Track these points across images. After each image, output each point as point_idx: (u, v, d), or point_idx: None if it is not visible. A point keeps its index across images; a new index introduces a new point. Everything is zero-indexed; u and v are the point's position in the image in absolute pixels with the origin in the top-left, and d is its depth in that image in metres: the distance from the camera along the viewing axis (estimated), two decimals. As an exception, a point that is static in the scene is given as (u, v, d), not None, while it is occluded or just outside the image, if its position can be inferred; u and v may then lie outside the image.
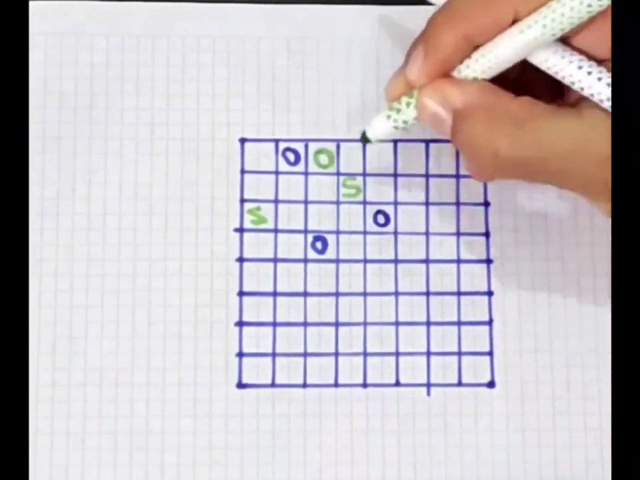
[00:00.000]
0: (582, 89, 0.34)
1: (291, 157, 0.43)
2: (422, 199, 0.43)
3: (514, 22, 0.35)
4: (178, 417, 0.41)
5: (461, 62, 0.36)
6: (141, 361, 0.42)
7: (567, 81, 0.35)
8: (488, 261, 0.43)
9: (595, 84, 0.34)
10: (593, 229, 0.44)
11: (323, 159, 0.43)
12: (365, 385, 0.42)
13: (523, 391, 0.42)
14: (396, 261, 0.43)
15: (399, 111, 0.38)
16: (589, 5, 0.33)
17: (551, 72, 0.35)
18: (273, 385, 0.42)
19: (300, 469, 0.41)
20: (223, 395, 0.42)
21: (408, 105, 0.37)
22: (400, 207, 0.43)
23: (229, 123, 0.44)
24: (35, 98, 0.43)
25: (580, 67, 0.34)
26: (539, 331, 0.43)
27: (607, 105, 0.34)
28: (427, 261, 0.43)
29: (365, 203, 0.43)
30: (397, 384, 0.42)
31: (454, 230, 0.43)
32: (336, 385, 0.42)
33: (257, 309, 0.42)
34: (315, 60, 0.44)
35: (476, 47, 0.36)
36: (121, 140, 0.43)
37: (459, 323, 0.43)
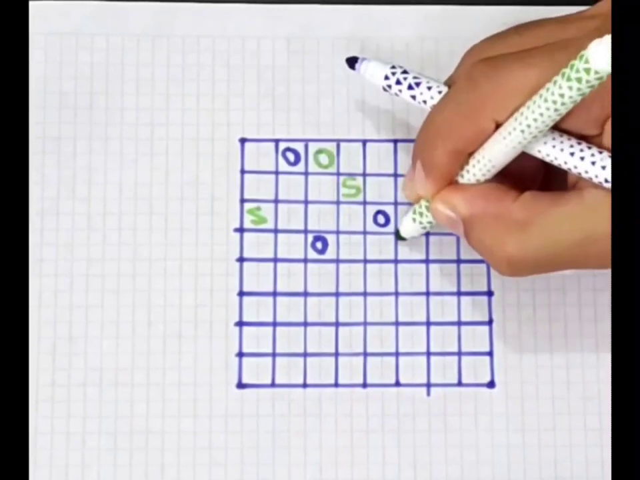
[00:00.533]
0: (579, 173, 0.34)
1: (291, 156, 0.43)
2: (422, 199, 0.43)
3: (498, 126, 0.35)
4: (178, 416, 0.41)
5: (461, 169, 0.37)
6: (141, 361, 0.42)
7: (564, 167, 0.35)
8: (488, 261, 0.43)
9: (590, 168, 0.34)
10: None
11: (323, 159, 0.43)
12: (364, 385, 0.42)
13: (523, 391, 0.42)
14: (396, 261, 0.43)
15: (421, 214, 0.40)
16: (556, 110, 0.33)
17: (547, 160, 0.35)
18: (273, 384, 0.42)
19: (300, 469, 0.41)
20: (223, 395, 0.42)
21: (428, 208, 0.39)
22: (400, 207, 0.43)
23: (229, 122, 0.44)
24: (34, 98, 0.43)
25: (572, 154, 0.34)
26: (538, 331, 0.43)
27: (607, 185, 0.34)
28: (426, 261, 0.43)
29: (364, 203, 0.43)
30: (397, 384, 0.42)
31: (454, 230, 0.43)
32: (336, 385, 0.42)
33: (257, 309, 0.42)
34: (315, 60, 0.44)
35: (470, 154, 0.37)
36: (121, 140, 0.43)
37: (459, 323, 0.43)
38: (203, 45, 0.44)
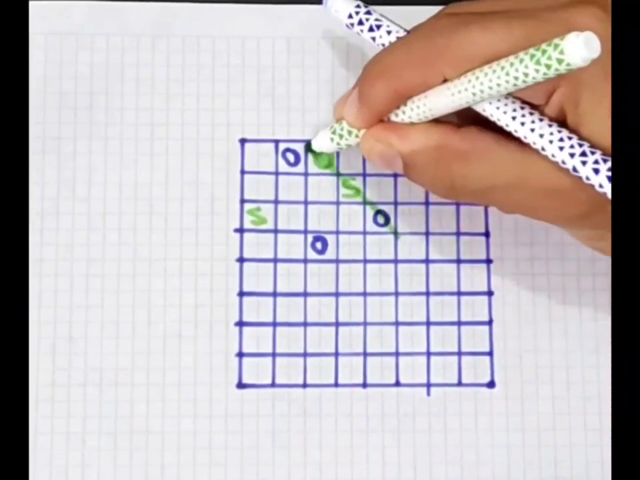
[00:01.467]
0: (524, 137, 0.34)
1: (291, 157, 0.43)
2: (422, 199, 0.43)
3: (444, 81, 0.35)
4: (178, 416, 0.42)
5: (397, 108, 0.37)
6: (141, 361, 0.42)
7: (505, 129, 0.35)
8: (488, 261, 0.43)
9: (529, 134, 0.34)
10: (592, 229, 0.44)
11: (323, 159, 0.43)
12: (364, 385, 0.42)
13: (523, 391, 0.42)
14: (396, 261, 0.43)
15: (341, 136, 0.40)
16: (515, 85, 0.32)
17: (489, 118, 0.35)
18: (273, 385, 0.42)
19: (300, 469, 0.41)
20: (223, 395, 0.42)
21: (350, 133, 0.39)
22: (400, 207, 0.43)
23: (229, 123, 0.44)
24: (34, 98, 0.43)
25: (514, 118, 0.34)
26: (538, 331, 0.43)
27: (544, 153, 0.34)
28: (426, 261, 0.43)
29: (364, 203, 0.43)
30: (397, 384, 0.42)
31: (454, 230, 0.43)
32: (336, 385, 0.42)
33: (257, 309, 0.42)
34: (315, 60, 0.44)
35: (407, 99, 0.36)
36: (120, 140, 0.43)
37: (459, 323, 0.43)
38: (203, 45, 0.44)
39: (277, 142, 0.44)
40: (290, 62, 0.44)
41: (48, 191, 0.43)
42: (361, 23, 0.39)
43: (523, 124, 0.34)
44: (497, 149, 0.35)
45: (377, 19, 0.39)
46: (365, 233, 0.43)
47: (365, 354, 0.42)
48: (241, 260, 0.43)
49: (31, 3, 0.43)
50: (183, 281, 0.42)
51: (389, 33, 0.38)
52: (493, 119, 0.35)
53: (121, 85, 0.44)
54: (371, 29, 0.38)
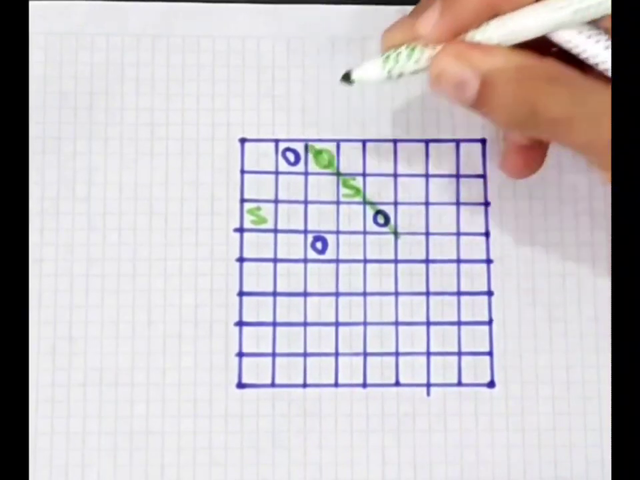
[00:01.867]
0: (604, 63, 0.34)
1: (291, 157, 0.43)
2: (422, 199, 0.43)
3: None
4: (178, 416, 0.42)
5: (478, 26, 0.35)
6: (141, 361, 0.42)
7: (590, 62, 0.34)
8: (488, 261, 0.43)
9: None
10: (593, 228, 0.44)
11: (323, 159, 0.43)
12: (364, 385, 0.42)
13: (523, 391, 0.42)
14: (396, 261, 0.43)
15: (397, 61, 0.36)
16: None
17: (573, 51, 0.34)
18: (272, 384, 0.42)
19: (300, 469, 0.41)
20: (223, 395, 0.42)
21: (409, 57, 0.36)
22: (400, 207, 0.43)
23: (229, 123, 0.44)
24: (34, 98, 0.43)
25: (598, 42, 0.34)
26: (538, 331, 0.43)
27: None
28: (426, 261, 0.43)
29: (364, 203, 0.43)
30: (397, 384, 0.42)
31: (454, 229, 0.43)
32: (336, 385, 0.42)
33: (257, 309, 0.42)
34: (315, 60, 0.44)
35: (494, 15, 0.35)
36: (120, 140, 0.43)
37: (459, 323, 0.43)
38: (203, 45, 0.44)
39: (276, 141, 0.44)
40: (290, 62, 0.44)
41: (48, 191, 0.43)
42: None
43: (607, 48, 0.34)
44: (582, 79, 0.34)
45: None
46: (365, 232, 0.43)
47: (365, 354, 0.42)
48: (241, 260, 0.43)
49: (31, 3, 0.43)
50: (183, 280, 0.42)
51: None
52: (576, 50, 0.34)
53: (121, 84, 0.44)
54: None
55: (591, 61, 0.34)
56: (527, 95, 0.34)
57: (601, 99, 0.34)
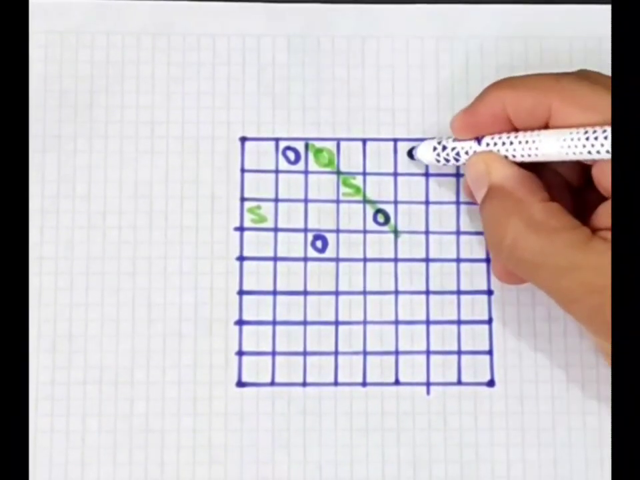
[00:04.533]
0: None
1: (291, 155, 0.43)
2: (422, 198, 0.43)
3: (546, 124, 0.37)
4: (178, 415, 0.42)
5: (494, 131, 0.39)
6: (141, 359, 0.42)
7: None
8: (488, 260, 0.43)
9: None
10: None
11: (323, 157, 0.43)
12: (364, 384, 0.42)
13: (523, 390, 0.42)
14: (396, 260, 0.43)
15: (444, 148, 0.41)
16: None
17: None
18: (272, 383, 0.42)
19: (299, 468, 0.41)
20: (223, 394, 0.42)
21: (453, 149, 0.40)
22: (400, 206, 0.43)
23: (229, 121, 0.44)
24: (35, 96, 0.43)
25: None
26: (538, 331, 0.43)
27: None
28: (426, 260, 0.43)
29: (364, 202, 0.43)
30: (397, 383, 0.42)
31: (454, 229, 0.43)
32: (335, 383, 0.42)
33: (257, 308, 0.42)
34: (316, 58, 0.44)
35: (515, 129, 0.38)
36: (121, 138, 0.43)
37: (459, 322, 0.43)
38: (203, 43, 0.44)
39: (277, 140, 0.44)
40: (290, 60, 0.44)
41: (48, 189, 0.43)
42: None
43: None
44: (564, 235, 0.36)
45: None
46: (365, 231, 0.43)
47: (365, 353, 0.42)
48: (241, 258, 0.43)
49: (31, 2, 0.43)
50: (183, 279, 0.42)
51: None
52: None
53: (121, 83, 0.43)
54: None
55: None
56: (505, 225, 0.37)
57: (575, 252, 0.36)
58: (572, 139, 0.36)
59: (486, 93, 0.39)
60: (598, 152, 0.35)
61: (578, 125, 0.36)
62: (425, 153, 0.42)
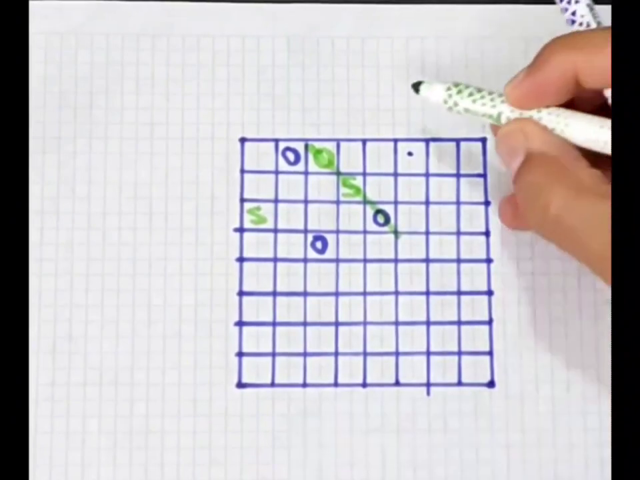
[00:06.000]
0: None
1: (291, 156, 0.43)
2: (422, 198, 0.43)
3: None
4: (178, 416, 0.42)
5: (554, 100, 0.37)
6: (141, 361, 0.42)
7: None
8: (488, 261, 0.43)
9: None
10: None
11: (323, 158, 0.43)
12: (364, 385, 0.42)
13: (523, 391, 0.42)
14: (396, 260, 0.43)
15: (455, 104, 0.39)
16: None
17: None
18: (272, 384, 0.42)
19: (299, 469, 0.41)
20: (223, 395, 0.42)
21: (471, 95, 0.39)
22: (400, 206, 0.43)
23: (229, 122, 0.44)
24: (34, 97, 0.43)
25: None
26: (538, 331, 0.43)
27: None
28: (426, 261, 0.43)
29: (364, 202, 0.43)
30: (397, 383, 0.42)
31: (454, 229, 0.43)
32: (336, 384, 0.42)
33: (257, 309, 0.42)
34: (315, 59, 0.44)
35: (580, 90, 0.36)
36: (120, 139, 0.43)
37: (459, 323, 0.43)
38: (203, 44, 0.44)
39: (276, 141, 0.44)
40: (290, 61, 0.44)
41: (48, 190, 0.43)
42: (569, 2, 0.38)
43: None
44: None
45: (470, 94, 0.39)
46: (365, 232, 0.43)
47: (365, 353, 0.42)
48: (241, 259, 0.43)
49: (31, 3, 0.43)
50: (183, 280, 0.42)
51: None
52: None
53: (120, 84, 0.44)
54: (573, 13, 0.38)
55: None
56: (550, 192, 0.35)
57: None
58: None
59: (551, 54, 0.36)
60: None
61: None
62: (435, 90, 0.40)
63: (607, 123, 0.36)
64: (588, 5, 0.38)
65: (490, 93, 0.39)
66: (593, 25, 0.38)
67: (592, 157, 0.37)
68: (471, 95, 0.39)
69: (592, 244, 0.35)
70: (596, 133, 0.36)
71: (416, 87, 0.40)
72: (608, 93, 0.36)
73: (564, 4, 0.38)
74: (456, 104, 0.39)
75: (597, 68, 0.36)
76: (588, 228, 0.35)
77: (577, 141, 0.37)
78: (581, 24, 0.38)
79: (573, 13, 0.38)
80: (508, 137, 0.38)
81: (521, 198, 0.38)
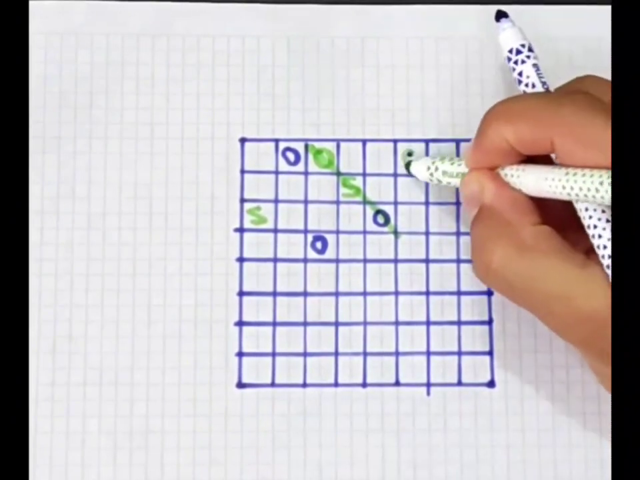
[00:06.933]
0: (597, 247, 0.35)
1: (291, 156, 0.43)
2: (422, 198, 0.43)
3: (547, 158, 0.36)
4: (178, 416, 0.42)
5: (505, 163, 0.38)
6: (141, 360, 0.42)
7: (588, 232, 0.36)
8: (488, 261, 0.43)
9: (602, 245, 0.35)
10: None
11: (323, 158, 0.43)
12: (364, 385, 0.42)
13: (523, 391, 0.42)
14: (396, 261, 0.43)
15: (437, 169, 0.41)
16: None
17: (579, 214, 0.36)
18: (272, 384, 0.42)
19: (299, 469, 0.41)
20: (223, 395, 0.42)
21: (444, 173, 0.40)
22: (400, 207, 0.43)
23: (229, 122, 0.44)
24: (34, 97, 0.43)
25: (595, 226, 0.35)
26: (538, 331, 0.43)
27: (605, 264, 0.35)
28: (426, 261, 0.43)
29: (364, 202, 0.43)
30: (397, 384, 0.42)
31: (454, 230, 0.43)
32: (336, 384, 0.42)
33: (257, 309, 0.42)
34: (315, 59, 0.44)
35: (524, 158, 0.37)
36: (120, 139, 0.43)
37: (459, 323, 0.43)
38: (203, 44, 0.44)
39: (277, 141, 0.44)
40: (290, 61, 0.44)
41: (48, 190, 0.43)
42: (516, 63, 0.40)
43: (600, 236, 0.35)
44: (556, 259, 0.35)
45: (534, 64, 0.40)
46: (365, 232, 0.43)
47: (365, 353, 0.42)
48: (241, 259, 0.43)
49: (31, 3, 0.43)
50: (183, 280, 0.42)
51: (534, 86, 0.39)
52: (580, 215, 0.36)
53: (120, 84, 0.43)
54: (520, 74, 0.40)
55: (588, 232, 0.36)
56: (492, 247, 0.36)
57: (567, 281, 0.35)
58: (575, 181, 0.35)
59: (486, 128, 0.38)
60: (601, 197, 0.34)
61: (581, 165, 0.35)
62: (419, 170, 0.42)
63: (553, 172, 0.36)
64: (534, 65, 0.39)
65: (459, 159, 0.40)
66: (538, 85, 0.39)
67: (555, 207, 0.37)
68: (448, 160, 0.40)
69: (533, 299, 0.36)
70: (542, 184, 0.36)
71: (407, 166, 0.43)
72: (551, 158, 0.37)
73: (511, 64, 0.40)
74: (437, 169, 0.41)
75: (524, 142, 0.36)
76: (528, 284, 0.36)
77: (530, 192, 0.37)
78: (527, 85, 0.39)
79: (520, 74, 0.39)
80: (466, 186, 0.39)
81: (472, 248, 0.38)
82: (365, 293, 0.43)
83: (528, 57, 0.39)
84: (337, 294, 0.43)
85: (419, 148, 0.44)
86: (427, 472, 0.42)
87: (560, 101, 0.36)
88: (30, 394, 0.41)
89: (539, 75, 0.39)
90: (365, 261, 0.43)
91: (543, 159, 0.37)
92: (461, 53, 0.44)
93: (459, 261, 0.43)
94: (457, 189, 0.42)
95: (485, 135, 0.38)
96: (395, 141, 0.44)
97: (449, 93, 0.44)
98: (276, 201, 0.43)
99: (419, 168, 0.42)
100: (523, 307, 0.37)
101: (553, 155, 0.37)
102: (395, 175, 0.43)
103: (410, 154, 0.43)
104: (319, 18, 0.44)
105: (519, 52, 0.40)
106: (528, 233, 0.36)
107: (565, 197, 0.36)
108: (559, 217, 0.37)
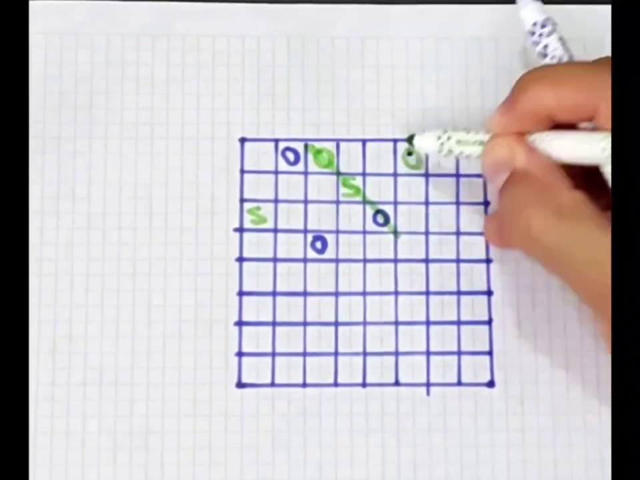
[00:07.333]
0: None
1: (291, 156, 0.43)
2: (422, 198, 0.43)
3: (592, 119, 0.36)
4: (178, 416, 0.42)
5: (535, 129, 0.37)
6: (141, 360, 0.42)
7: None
8: (488, 261, 0.43)
9: None
10: (592, 228, 0.43)
11: (323, 158, 0.43)
12: (364, 385, 0.42)
13: (523, 391, 0.42)
14: (395, 261, 0.43)
15: (449, 138, 0.40)
16: None
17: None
18: (272, 384, 0.42)
19: (299, 469, 0.41)
20: (223, 395, 0.42)
21: (458, 142, 0.39)
22: (400, 207, 0.43)
23: (229, 122, 0.44)
24: (34, 97, 0.43)
25: None
26: (538, 331, 0.43)
27: None
28: (426, 261, 0.43)
29: (364, 202, 0.43)
30: (397, 383, 0.42)
31: (454, 229, 0.43)
32: (335, 384, 0.42)
33: (257, 309, 0.42)
34: (315, 59, 0.44)
35: (555, 125, 0.37)
36: (120, 139, 0.43)
37: (459, 323, 0.43)
38: (203, 44, 0.44)
39: (276, 141, 0.44)
40: (290, 61, 0.44)
41: (48, 190, 0.43)
42: (541, 36, 0.40)
43: None
44: (591, 225, 0.35)
45: (560, 38, 0.40)
46: (364, 232, 0.43)
47: (365, 353, 0.42)
48: (241, 259, 0.43)
49: (31, 3, 0.43)
50: (183, 280, 0.42)
51: (560, 59, 0.39)
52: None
53: (120, 84, 0.44)
54: (545, 47, 0.40)
55: None
56: (530, 214, 0.36)
57: (601, 247, 0.34)
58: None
59: (524, 90, 0.37)
60: None
61: None
62: (426, 141, 0.41)
63: (590, 137, 0.36)
64: (560, 39, 0.39)
65: (477, 131, 0.39)
66: (565, 59, 0.39)
67: (579, 177, 0.37)
68: (462, 130, 0.40)
69: (570, 266, 0.35)
70: (580, 148, 0.36)
71: (410, 140, 0.42)
72: (582, 126, 0.37)
73: (535, 37, 0.39)
74: (449, 138, 0.40)
75: (567, 107, 0.36)
76: (566, 250, 0.35)
77: (561, 159, 0.37)
78: (552, 57, 0.38)
79: (545, 47, 0.39)
80: (493, 150, 0.38)
81: (504, 216, 0.38)
82: (364, 293, 0.43)
83: (553, 30, 0.39)
84: (336, 294, 0.43)
85: (418, 148, 0.44)
86: (427, 472, 0.42)
87: (601, 68, 0.36)
88: (30, 394, 0.41)
89: (566, 49, 0.39)
90: (365, 260, 0.43)
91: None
92: (461, 53, 0.44)
93: (458, 260, 0.43)
94: (457, 167, 0.42)
95: (518, 100, 0.37)
96: (395, 141, 0.44)
97: (449, 93, 0.44)
98: (276, 201, 0.43)
99: (427, 140, 0.41)
100: (555, 274, 0.37)
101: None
102: (395, 174, 0.43)
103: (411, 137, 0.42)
104: (319, 18, 0.44)
105: (543, 25, 0.39)
106: (566, 198, 0.36)
107: (602, 161, 0.35)
108: (584, 182, 0.37)
